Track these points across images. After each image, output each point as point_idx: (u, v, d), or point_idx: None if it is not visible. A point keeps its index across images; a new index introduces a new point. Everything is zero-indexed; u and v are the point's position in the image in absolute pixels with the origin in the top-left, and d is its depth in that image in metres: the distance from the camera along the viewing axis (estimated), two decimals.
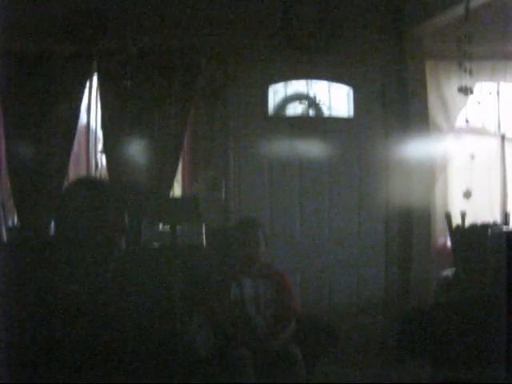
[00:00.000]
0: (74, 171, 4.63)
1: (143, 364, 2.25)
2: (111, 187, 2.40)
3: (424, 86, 4.91)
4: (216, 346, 3.70)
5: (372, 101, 4.92)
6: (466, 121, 4.80)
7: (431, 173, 4.94)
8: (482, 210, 4.99)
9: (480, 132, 5.13)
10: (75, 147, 4.60)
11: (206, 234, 3.97)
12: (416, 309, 4.48)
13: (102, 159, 4.67)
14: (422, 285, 4.74)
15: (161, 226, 4.04)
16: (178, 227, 3.89)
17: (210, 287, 3.92)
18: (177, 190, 4.76)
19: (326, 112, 4.98)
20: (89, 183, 2.41)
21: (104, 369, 2.05)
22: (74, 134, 4.55)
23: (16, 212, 4.53)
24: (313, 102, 4.96)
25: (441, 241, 4.96)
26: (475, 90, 4.65)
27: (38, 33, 4.44)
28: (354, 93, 4.95)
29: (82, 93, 4.57)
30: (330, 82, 4.95)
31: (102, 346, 2.05)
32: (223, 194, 4.70)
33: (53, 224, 4.29)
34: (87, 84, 4.60)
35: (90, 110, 4.65)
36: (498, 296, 3.65)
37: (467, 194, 5.00)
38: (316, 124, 4.93)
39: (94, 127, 4.69)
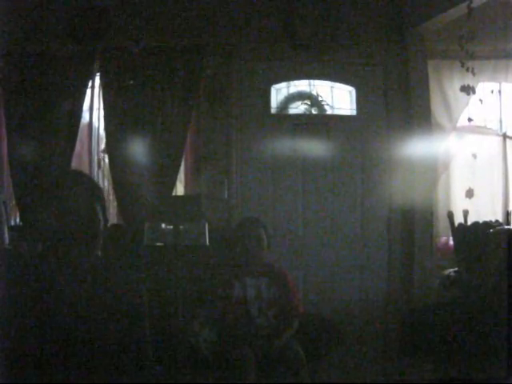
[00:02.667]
0: None
1: (146, 363, 2.24)
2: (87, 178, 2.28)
3: (426, 85, 4.90)
4: (219, 345, 3.71)
5: (374, 100, 4.93)
6: (469, 120, 4.80)
7: (433, 172, 4.93)
8: (484, 209, 4.99)
9: (482, 131, 5.13)
10: (77, 147, 4.59)
11: (208, 233, 3.97)
12: (418, 307, 4.49)
13: (105, 158, 4.67)
14: (425, 283, 4.74)
15: (164, 225, 4.03)
16: (181, 226, 3.90)
17: (212, 286, 3.92)
18: (180, 189, 4.76)
19: (328, 111, 4.98)
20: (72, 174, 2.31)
21: (106, 369, 2.04)
22: (77, 134, 4.54)
23: (18, 212, 4.53)
24: (315, 102, 4.96)
25: (443, 240, 4.96)
26: (477, 89, 4.66)
27: (41, 32, 4.44)
28: (357, 92, 4.95)
29: (85, 92, 4.56)
30: (333, 82, 4.95)
31: (103, 346, 2.04)
32: (226, 193, 4.71)
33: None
34: (90, 83, 4.59)
35: (93, 109, 4.63)
36: (499, 295, 3.66)
37: (469, 193, 5.01)
38: (319, 123, 4.93)
39: (96, 126, 4.68)
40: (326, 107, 4.99)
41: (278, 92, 4.92)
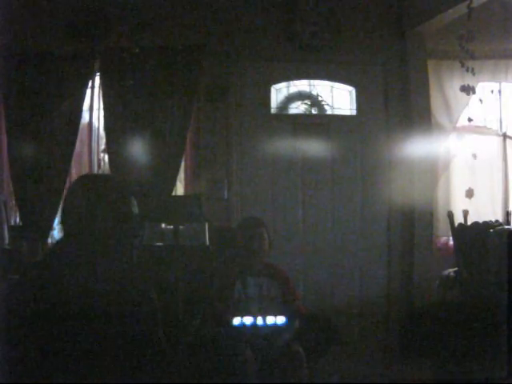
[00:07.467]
0: (77, 170, 4.63)
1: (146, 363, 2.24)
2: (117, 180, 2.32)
3: (426, 85, 4.91)
4: (219, 345, 3.71)
5: (374, 100, 4.93)
6: (469, 120, 4.80)
7: (433, 172, 4.94)
8: (484, 209, 5.00)
9: (482, 131, 5.13)
10: (77, 146, 4.60)
11: (209, 233, 3.96)
12: (418, 308, 4.49)
13: (105, 158, 4.67)
14: (425, 284, 4.74)
15: (163, 225, 4.03)
16: (181, 226, 3.89)
17: (213, 286, 3.92)
18: (180, 189, 4.76)
19: (328, 111, 4.99)
20: (94, 178, 2.33)
21: (106, 368, 2.04)
22: (77, 134, 4.54)
23: (18, 212, 4.53)
24: (315, 102, 4.96)
25: (443, 240, 4.96)
26: (477, 89, 4.66)
27: (41, 32, 4.44)
28: (357, 92, 4.95)
29: (85, 92, 4.56)
30: (333, 82, 4.96)
31: (104, 345, 2.04)
32: (226, 193, 4.71)
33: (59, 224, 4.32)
34: (89, 83, 4.59)
35: (93, 109, 4.63)
36: (499, 295, 3.65)
37: (469, 193, 5.01)
38: (319, 123, 4.93)
39: (96, 126, 4.68)
40: (326, 107, 4.99)
41: (278, 92, 4.92)
